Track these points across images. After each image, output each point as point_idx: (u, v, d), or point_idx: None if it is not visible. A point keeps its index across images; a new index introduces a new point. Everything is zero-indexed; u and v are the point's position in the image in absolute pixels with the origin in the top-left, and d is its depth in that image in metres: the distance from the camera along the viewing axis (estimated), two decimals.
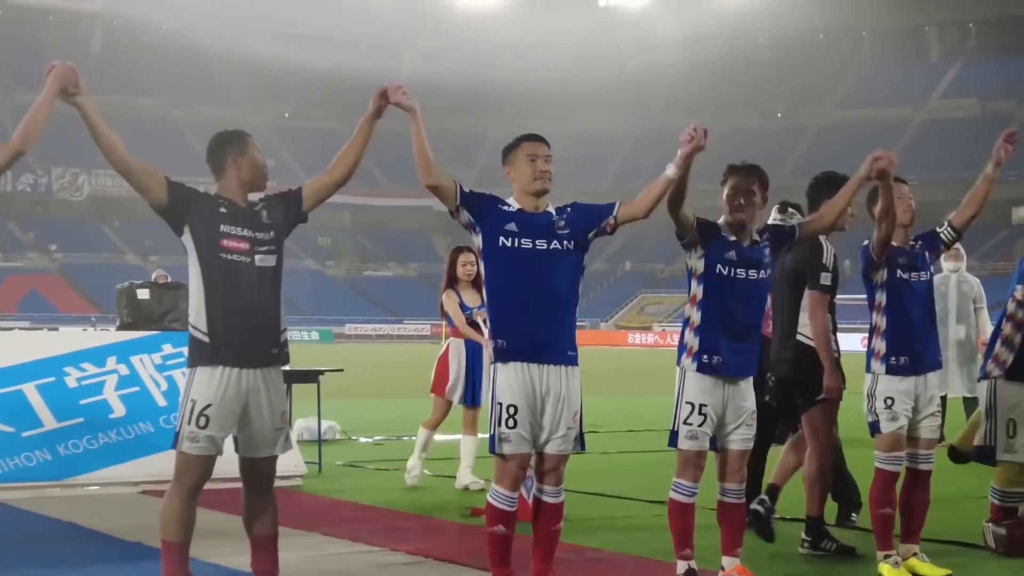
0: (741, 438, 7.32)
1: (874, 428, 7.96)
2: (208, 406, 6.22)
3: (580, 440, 6.92)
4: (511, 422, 6.61)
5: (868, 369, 8.01)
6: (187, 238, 6.41)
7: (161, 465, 11.38)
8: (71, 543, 8.90)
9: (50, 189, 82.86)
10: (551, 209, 6.88)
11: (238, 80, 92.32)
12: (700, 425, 7.17)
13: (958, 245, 16.66)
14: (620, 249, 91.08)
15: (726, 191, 7.35)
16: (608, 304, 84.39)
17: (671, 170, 6.92)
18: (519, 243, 6.71)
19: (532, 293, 6.69)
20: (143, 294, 13.60)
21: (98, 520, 9.66)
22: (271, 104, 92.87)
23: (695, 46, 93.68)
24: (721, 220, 7.29)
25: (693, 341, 7.21)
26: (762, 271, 7.31)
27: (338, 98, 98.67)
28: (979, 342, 16.24)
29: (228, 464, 6.57)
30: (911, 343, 7.93)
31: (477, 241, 6.82)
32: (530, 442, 6.74)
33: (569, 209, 6.93)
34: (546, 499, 6.87)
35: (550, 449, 6.81)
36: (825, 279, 8.66)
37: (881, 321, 8.04)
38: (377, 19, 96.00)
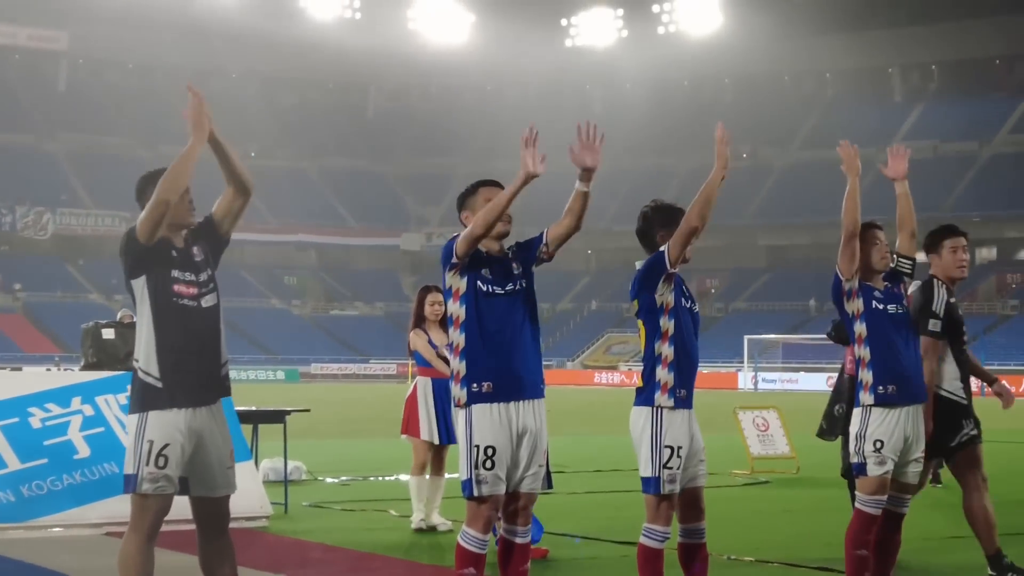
0: (703, 474, 7.31)
1: (859, 470, 7.85)
2: (166, 445, 6.21)
3: (548, 478, 6.92)
4: (488, 463, 6.59)
5: (857, 403, 7.92)
6: (140, 283, 6.41)
7: (126, 507, 11.30)
8: None
9: (14, 227, 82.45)
10: (507, 250, 7.02)
11: None
12: (678, 468, 7.11)
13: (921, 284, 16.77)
14: (586, 288, 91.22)
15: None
16: (574, 343, 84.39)
17: (581, 185, 7.22)
18: (493, 288, 6.79)
19: (508, 335, 6.75)
20: (108, 334, 13.53)
21: (61, 562, 9.58)
22: (237, 143, 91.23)
23: (660, 86, 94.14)
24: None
25: (668, 377, 7.13)
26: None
27: (305, 137, 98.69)
28: None
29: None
30: (897, 370, 7.87)
31: (458, 283, 6.80)
32: (504, 482, 6.71)
33: (515, 248, 7.07)
34: (517, 540, 6.83)
35: (523, 488, 6.80)
36: (934, 326, 8.51)
37: (865, 352, 7.94)
38: (343, 58, 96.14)
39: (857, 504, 7.83)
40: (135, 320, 16.17)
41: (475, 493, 6.57)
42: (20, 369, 22.73)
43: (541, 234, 7.14)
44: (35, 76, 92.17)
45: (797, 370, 68.26)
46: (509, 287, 6.85)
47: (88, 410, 11.67)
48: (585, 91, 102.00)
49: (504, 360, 6.75)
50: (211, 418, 6.39)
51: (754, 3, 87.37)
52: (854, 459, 7.86)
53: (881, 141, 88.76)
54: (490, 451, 6.61)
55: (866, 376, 7.87)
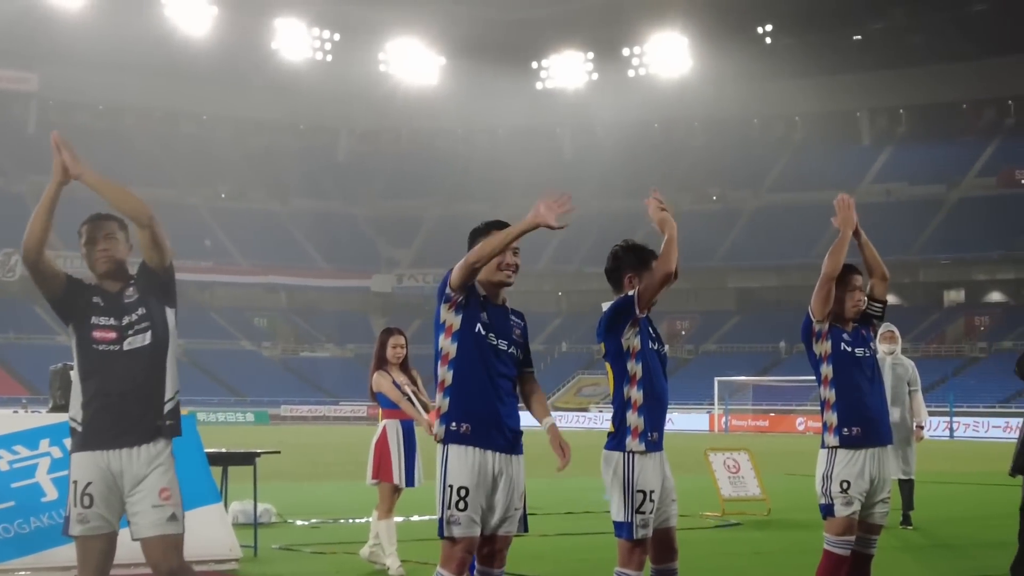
0: (675, 514, 7.30)
1: (827, 511, 7.82)
2: (89, 484, 6.27)
3: (524, 521, 6.91)
4: (462, 504, 6.52)
5: (822, 444, 7.94)
6: (70, 331, 6.56)
7: None
8: None
9: None
10: (509, 305, 6.97)
11: (174, 161, 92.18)
12: (650, 512, 7.09)
13: (893, 327, 16.87)
14: (556, 330, 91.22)
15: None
16: (545, 385, 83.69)
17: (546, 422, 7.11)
18: (488, 335, 6.72)
19: (496, 381, 6.70)
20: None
21: None
22: (207, 185, 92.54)
23: (630, 129, 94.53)
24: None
25: (638, 421, 7.11)
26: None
27: (275, 179, 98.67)
28: (915, 424, 16.38)
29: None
30: (863, 412, 7.88)
31: (452, 319, 6.72)
32: (479, 524, 6.64)
33: (522, 323, 7.02)
34: None
35: (501, 531, 6.75)
36: None
37: (830, 394, 7.95)
38: (314, 100, 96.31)
39: (826, 545, 7.81)
40: None
41: (446, 534, 6.51)
42: None
43: (530, 361, 7.17)
44: (4, 117, 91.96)
45: (768, 412, 68.32)
46: (503, 344, 6.80)
47: (56, 452, 11.59)
48: (556, 134, 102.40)
49: (489, 407, 6.71)
50: (134, 460, 6.33)
51: (723, 47, 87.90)
52: (821, 500, 7.85)
53: (850, 184, 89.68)
54: (463, 492, 6.53)
55: (831, 418, 7.87)
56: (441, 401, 6.72)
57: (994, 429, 56.91)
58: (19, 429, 11.79)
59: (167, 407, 6.42)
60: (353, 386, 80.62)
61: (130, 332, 6.42)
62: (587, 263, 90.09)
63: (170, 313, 6.57)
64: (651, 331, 7.31)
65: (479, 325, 6.69)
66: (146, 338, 6.44)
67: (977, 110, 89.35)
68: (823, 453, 7.89)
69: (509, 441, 6.79)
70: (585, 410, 75.91)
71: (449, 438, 6.62)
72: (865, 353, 8.02)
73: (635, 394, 7.14)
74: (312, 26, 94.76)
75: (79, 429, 6.35)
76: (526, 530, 7.04)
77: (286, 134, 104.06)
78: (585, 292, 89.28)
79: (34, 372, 66.28)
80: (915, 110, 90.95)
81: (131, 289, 6.56)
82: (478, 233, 6.91)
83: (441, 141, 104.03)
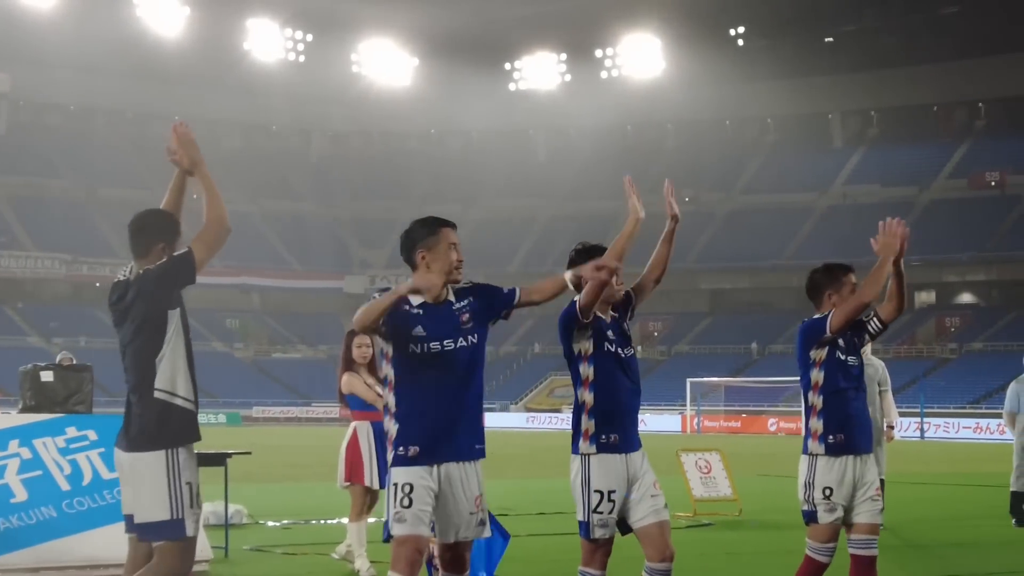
0: (658, 510, 7.10)
1: (810, 517, 7.71)
2: (198, 485, 6.68)
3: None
4: (406, 500, 6.38)
5: (805, 451, 7.82)
6: (175, 315, 6.47)
7: (63, 550, 11.18)
8: None
9: None
10: (451, 297, 6.65)
11: (145, 162, 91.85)
12: (609, 512, 7.02)
13: None
14: (529, 331, 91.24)
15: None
16: (517, 387, 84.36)
17: (568, 275, 6.96)
18: (428, 347, 6.47)
19: (444, 395, 6.47)
20: (47, 376, 13.42)
21: None
22: None
23: (603, 131, 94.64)
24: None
25: (588, 424, 7.07)
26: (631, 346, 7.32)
27: (247, 180, 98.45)
28: (885, 425, 16.46)
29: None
30: (848, 419, 7.77)
31: (386, 348, 6.58)
32: (427, 524, 6.50)
33: (471, 298, 6.70)
34: None
35: (459, 536, 6.64)
36: None
37: (817, 400, 7.83)
38: (286, 101, 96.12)
39: (808, 551, 7.70)
40: (75, 363, 15.90)
41: (393, 532, 6.38)
42: None
43: (512, 293, 6.82)
44: None
45: (740, 413, 68.50)
46: (449, 343, 6.52)
47: (26, 453, 11.52)
48: (529, 136, 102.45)
49: (436, 424, 6.50)
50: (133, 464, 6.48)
51: (696, 49, 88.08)
52: (804, 507, 7.72)
53: (821, 186, 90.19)
54: (407, 488, 6.39)
55: (816, 424, 7.75)
56: (389, 426, 6.54)
57: (964, 430, 57.16)
58: None
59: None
60: (326, 387, 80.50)
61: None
62: (560, 264, 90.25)
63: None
64: (611, 334, 7.19)
65: (412, 344, 6.47)
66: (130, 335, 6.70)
67: (948, 112, 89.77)
68: (805, 459, 7.79)
69: (464, 451, 6.62)
70: (558, 411, 75.96)
71: (401, 462, 6.45)
72: (855, 361, 7.95)
73: (587, 396, 7.08)
74: (285, 27, 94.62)
75: (193, 410, 6.58)
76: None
77: (258, 135, 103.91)
78: (561, 295, 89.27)
79: (4, 373, 65.90)
80: (886, 112, 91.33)
81: (118, 296, 6.78)
82: (428, 234, 6.70)
83: (414, 142, 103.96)
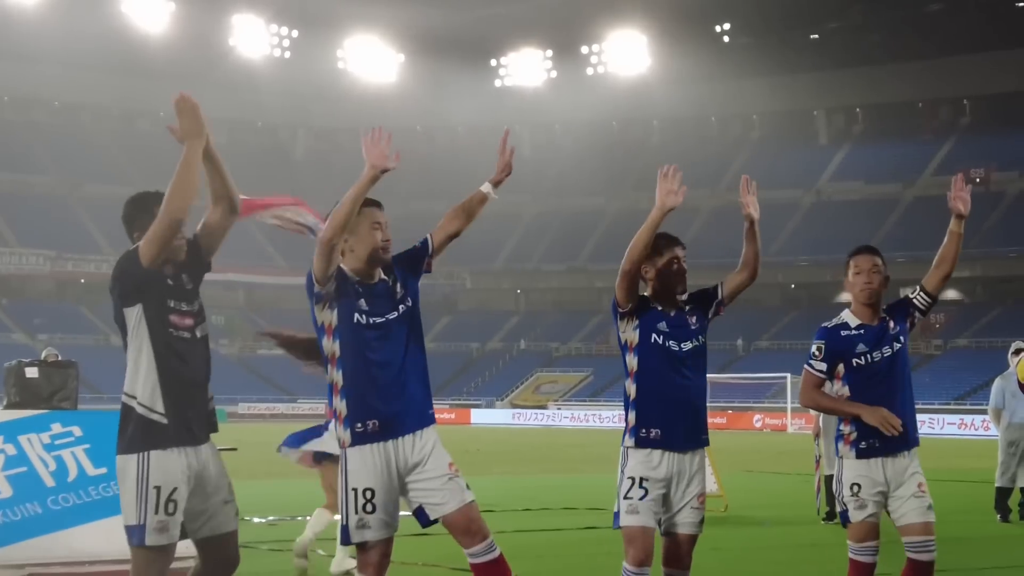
0: (690, 523, 6.95)
1: (844, 518, 7.29)
2: (175, 490, 5.83)
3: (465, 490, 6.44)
4: (369, 507, 6.20)
5: (837, 453, 7.41)
6: (135, 313, 5.90)
7: (48, 547, 11.15)
8: None
9: None
10: (384, 275, 6.52)
11: (130, 158, 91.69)
12: (639, 499, 6.79)
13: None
14: (515, 328, 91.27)
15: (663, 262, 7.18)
16: (503, 383, 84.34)
17: (487, 187, 6.90)
18: (372, 320, 6.33)
19: (387, 369, 6.32)
20: (32, 373, 13.39)
21: None
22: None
23: (589, 127, 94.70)
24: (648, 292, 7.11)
25: (631, 416, 6.93)
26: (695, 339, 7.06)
27: (233, 177, 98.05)
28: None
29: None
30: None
31: (329, 318, 6.35)
32: (392, 526, 6.36)
33: (396, 266, 6.58)
34: None
35: (446, 510, 6.37)
36: None
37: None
38: (271, 98, 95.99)
39: (849, 554, 7.30)
40: (60, 359, 15.87)
41: (356, 539, 6.25)
42: None
43: (424, 241, 6.71)
44: None
45: (725, 409, 68.58)
46: (392, 315, 6.41)
47: (10, 449, 11.50)
48: (515, 131, 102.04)
49: (390, 394, 6.33)
50: (210, 454, 6.06)
51: (681, 46, 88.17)
52: (839, 507, 7.35)
53: (807, 183, 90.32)
54: (368, 493, 6.22)
55: (846, 429, 7.26)
56: (339, 405, 6.35)
57: (949, 426, 57.30)
58: None
59: (211, 405, 6.15)
60: (312, 384, 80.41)
61: (199, 320, 6.07)
62: (545, 261, 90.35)
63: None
64: (666, 326, 6.99)
65: (357, 314, 6.31)
66: (206, 328, 6.15)
67: (933, 109, 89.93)
68: (837, 461, 7.37)
69: (412, 422, 6.39)
70: (544, 407, 75.98)
71: (356, 440, 6.27)
72: (883, 354, 7.25)
73: (631, 388, 6.96)
74: (270, 23, 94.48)
75: (163, 422, 5.85)
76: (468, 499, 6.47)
77: (243, 132, 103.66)
78: (544, 290, 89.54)
79: None
80: (871, 109, 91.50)
81: (186, 277, 6.07)
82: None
83: (400, 139, 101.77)
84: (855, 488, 7.16)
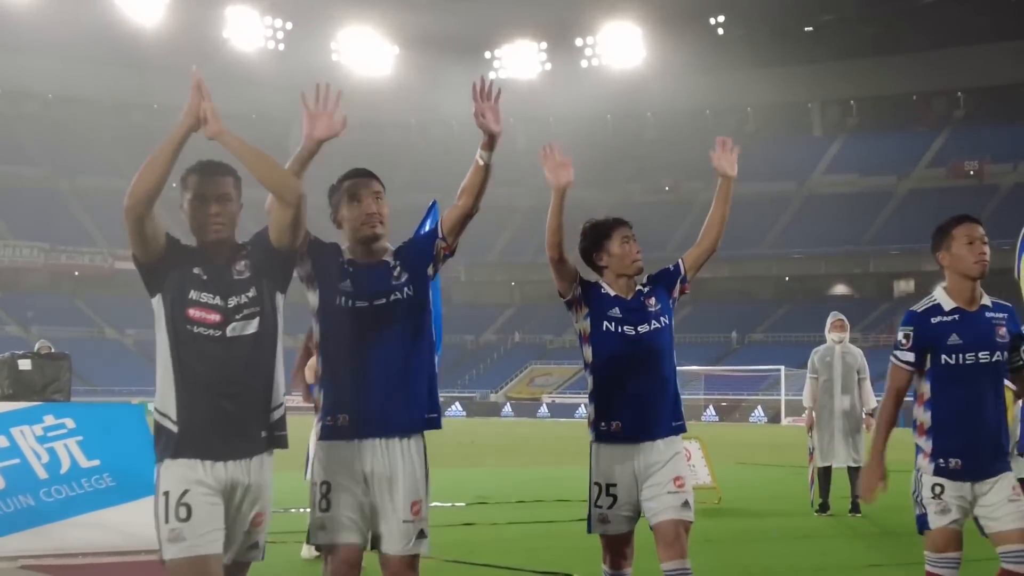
0: (673, 507, 6.54)
1: (921, 523, 6.37)
2: (185, 492, 5.15)
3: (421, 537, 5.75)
4: (324, 503, 5.61)
5: (916, 467, 6.50)
6: (156, 303, 5.28)
7: (42, 540, 11.14)
8: None
9: None
10: (388, 258, 5.90)
11: (124, 150, 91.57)
12: (608, 508, 6.54)
13: (842, 316, 17.02)
14: (509, 321, 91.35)
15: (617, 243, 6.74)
16: (498, 375, 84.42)
17: (479, 153, 6.13)
18: (355, 303, 5.71)
19: (369, 360, 5.68)
20: (24, 365, 13.38)
21: None
22: None
23: (583, 120, 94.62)
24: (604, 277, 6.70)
25: (591, 410, 6.63)
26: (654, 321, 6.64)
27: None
28: (864, 412, 16.53)
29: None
30: (966, 441, 6.26)
31: (312, 299, 5.79)
32: (354, 530, 5.67)
33: (403, 249, 6.00)
34: None
35: (383, 547, 5.71)
36: None
37: (925, 416, 6.44)
38: (266, 90, 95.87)
39: (927, 566, 6.38)
40: (53, 351, 15.89)
41: (312, 540, 5.74)
42: None
43: (434, 229, 6.09)
44: None
45: (719, 401, 68.64)
46: (381, 300, 5.74)
47: (3, 441, 11.49)
48: (509, 124, 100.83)
49: (360, 389, 5.71)
50: (243, 474, 5.23)
51: (676, 38, 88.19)
52: (916, 511, 6.40)
53: (802, 175, 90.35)
54: (324, 488, 5.63)
55: (926, 444, 6.39)
56: (317, 395, 5.84)
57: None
58: None
59: (275, 415, 5.34)
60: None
61: (238, 316, 5.25)
62: (540, 254, 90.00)
63: (280, 299, 5.43)
64: (619, 311, 6.61)
65: (341, 297, 5.72)
66: (255, 325, 5.28)
67: (927, 102, 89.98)
68: (923, 465, 6.41)
69: (396, 427, 5.73)
70: (538, 400, 76.04)
71: (325, 434, 5.71)
72: (984, 357, 6.25)
73: (588, 380, 6.62)
74: (265, 15, 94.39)
75: (173, 430, 5.16)
76: (423, 549, 5.80)
77: (238, 124, 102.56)
78: (538, 283, 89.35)
79: None
80: (866, 102, 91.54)
81: (242, 265, 5.35)
82: (333, 190, 6.06)
83: (395, 132, 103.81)
84: (937, 489, 6.24)
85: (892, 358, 6.38)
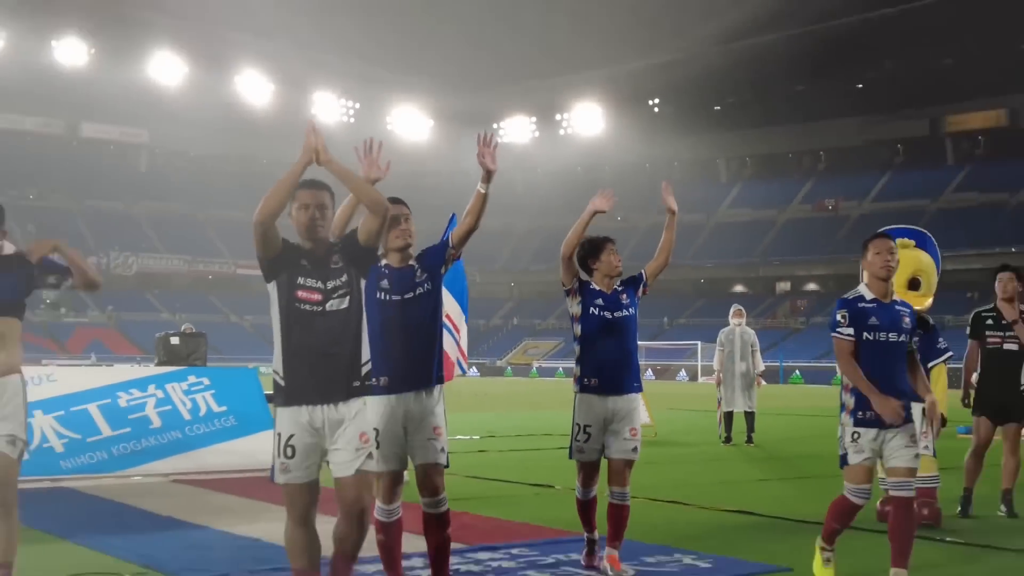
0: (628, 450, 6.40)
1: (842, 460, 6.09)
2: (292, 436, 4.88)
3: (442, 454, 5.62)
4: (375, 443, 5.22)
5: (842, 409, 6.13)
6: (272, 288, 5.00)
7: (187, 462, 11.16)
8: (120, 517, 8.64)
9: (109, 267, 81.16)
10: (413, 262, 5.78)
11: (243, 191, 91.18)
12: (584, 442, 6.40)
13: (740, 307, 16.95)
14: (510, 310, 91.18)
15: (608, 256, 6.77)
16: (499, 348, 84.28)
17: (481, 186, 6.08)
18: (390, 297, 5.62)
19: (403, 337, 5.53)
20: (175, 341, 13.39)
21: (140, 501, 9.40)
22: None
23: (561, 170, 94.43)
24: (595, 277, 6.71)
25: (576, 369, 6.55)
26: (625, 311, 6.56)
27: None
28: (756, 374, 16.52)
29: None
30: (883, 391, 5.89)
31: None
32: (393, 460, 5.60)
33: (423, 256, 5.85)
34: (427, 511, 5.64)
35: (417, 460, 5.61)
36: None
37: (847, 381, 6.11)
38: (342, 154, 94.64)
39: (845, 493, 6.08)
40: (193, 331, 15.88)
41: (363, 468, 5.11)
42: (112, 366, 22.39)
43: (445, 241, 5.98)
44: (124, 160, 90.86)
45: (655, 365, 68.52)
46: (409, 295, 5.64)
47: (159, 394, 11.52)
48: (510, 173, 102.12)
49: (395, 357, 5.55)
50: (337, 415, 4.90)
51: (625, 114, 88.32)
52: (840, 451, 6.09)
53: (712, 209, 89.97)
54: (375, 433, 5.39)
55: (848, 400, 6.07)
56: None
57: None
58: (134, 378, 11.73)
59: (364, 370, 5.00)
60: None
61: (334, 296, 4.97)
62: (533, 263, 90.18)
63: (363, 284, 5.12)
64: (602, 301, 6.54)
65: (378, 292, 5.57)
66: (346, 302, 4.99)
67: (799, 158, 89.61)
68: (844, 419, 6.10)
69: (417, 382, 5.57)
70: (530, 364, 75.92)
71: (373, 392, 5.32)
72: (894, 338, 5.97)
73: (576, 349, 6.55)
74: (340, 97, 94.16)
75: (282, 384, 4.92)
76: (446, 464, 5.62)
77: (323, 170, 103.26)
78: (532, 284, 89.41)
79: (145, 339, 65.68)
80: (756, 158, 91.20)
81: (337, 257, 5.08)
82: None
83: (430, 178, 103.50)
84: (855, 435, 5.97)
85: (836, 335, 6.04)
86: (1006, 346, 8.80)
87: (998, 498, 9.02)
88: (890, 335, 5.95)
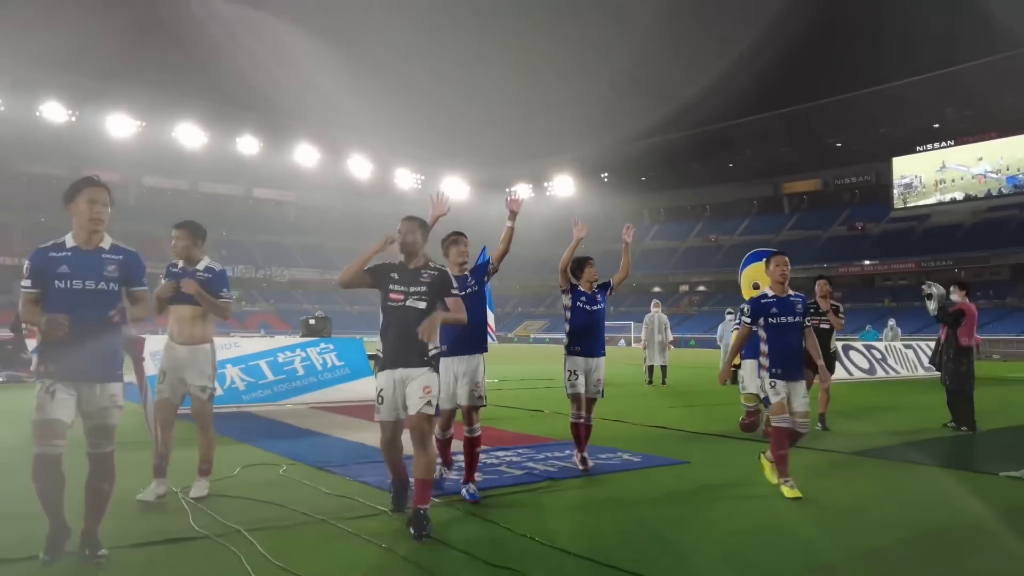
0: (596, 392, 6.36)
1: (767, 401, 5.71)
2: (381, 390, 4.80)
3: (483, 398, 5.50)
4: (439, 391, 4.90)
5: (759, 368, 5.78)
6: (378, 292, 4.89)
7: (318, 396, 11.16)
8: (280, 429, 8.64)
9: (271, 276, 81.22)
10: (467, 272, 5.58)
11: (352, 233, 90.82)
12: (574, 380, 6.34)
13: (658, 300, 16.83)
14: (516, 303, 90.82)
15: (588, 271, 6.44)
16: (506, 327, 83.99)
17: (508, 222, 5.82)
18: (454, 293, 5.06)
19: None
20: (312, 322, 13.32)
21: (290, 420, 9.40)
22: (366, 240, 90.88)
23: (548, 221, 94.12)
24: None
25: (567, 339, 6.55)
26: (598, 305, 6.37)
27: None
28: (668, 342, 16.45)
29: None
30: (784, 357, 5.66)
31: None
32: (449, 401, 5.48)
33: (473, 270, 5.73)
34: (466, 435, 5.54)
35: (463, 402, 5.47)
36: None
37: (765, 347, 5.77)
38: (413, 206, 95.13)
39: (772, 422, 5.70)
40: (323, 316, 15.75)
41: (434, 411, 4.85)
42: (273, 337, 22.32)
43: (487, 260, 5.88)
44: (280, 212, 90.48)
45: (607, 338, 67.93)
46: (467, 291, 5.52)
47: (303, 354, 11.51)
48: (516, 220, 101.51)
49: (454, 333, 5.41)
50: (406, 374, 4.75)
51: (587, 183, 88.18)
52: (762, 395, 5.71)
53: (639, 241, 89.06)
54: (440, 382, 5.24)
55: (766, 361, 5.73)
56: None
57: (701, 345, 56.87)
58: (287, 344, 11.72)
59: (429, 350, 4.80)
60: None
61: (414, 297, 4.78)
62: (530, 274, 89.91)
63: (441, 302, 4.90)
64: (584, 297, 6.36)
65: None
66: (421, 304, 4.80)
67: (696, 209, 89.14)
68: (764, 374, 5.69)
69: (469, 348, 5.46)
70: (528, 336, 75.57)
71: (436, 362, 4.97)
72: (790, 320, 5.70)
73: (567, 328, 6.47)
74: (413, 172, 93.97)
75: (380, 355, 4.87)
76: (484, 404, 5.42)
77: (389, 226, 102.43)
78: (530, 287, 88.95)
79: (294, 321, 65.64)
80: (668, 208, 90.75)
81: (426, 275, 4.86)
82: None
83: (466, 224, 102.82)
84: (772, 383, 5.65)
85: (743, 320, 5.78)
86: (822, 326, 9.13)
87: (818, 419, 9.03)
88: (788, 318, 5.71)
